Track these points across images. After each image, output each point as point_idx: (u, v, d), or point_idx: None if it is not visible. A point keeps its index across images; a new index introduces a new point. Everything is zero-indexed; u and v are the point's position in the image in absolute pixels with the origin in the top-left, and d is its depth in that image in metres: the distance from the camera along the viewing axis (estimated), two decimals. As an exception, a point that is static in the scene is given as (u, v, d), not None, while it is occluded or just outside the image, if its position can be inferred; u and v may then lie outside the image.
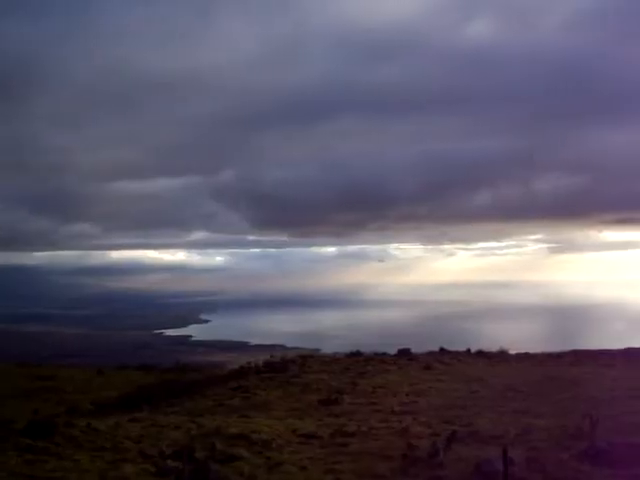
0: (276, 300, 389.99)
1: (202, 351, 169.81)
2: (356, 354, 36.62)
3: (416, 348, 38.18)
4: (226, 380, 31.27)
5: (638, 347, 39.95)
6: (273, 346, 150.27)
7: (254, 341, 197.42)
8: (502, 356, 36.12)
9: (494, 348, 37.61)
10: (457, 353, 37.24)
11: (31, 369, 43.16)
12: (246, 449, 15.88)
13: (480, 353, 36.86)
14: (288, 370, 31.63)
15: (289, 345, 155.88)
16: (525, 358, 35.78)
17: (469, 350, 37.60)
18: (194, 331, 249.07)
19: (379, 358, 35.36)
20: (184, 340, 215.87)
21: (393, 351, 37.15)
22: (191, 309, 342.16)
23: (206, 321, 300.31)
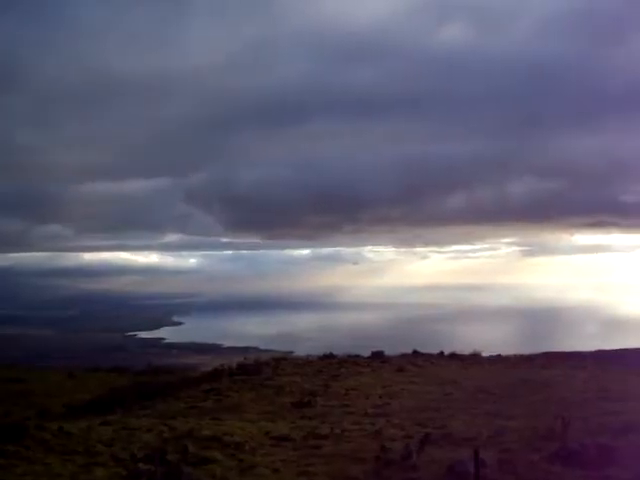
0: (249, 302, 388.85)
1: (175, 353, 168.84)
2: (329, 356, 36.64)
3: (389, 350, 38.26)
4: (199, 382, 31.14)
5: (608, 349, 40.39)
6: (246, 348, 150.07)
7: (227, 343, 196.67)
8: (475, 359, 36.29)
9: (467, 351, 37.79)
10: (430, 356, 37.37)
11: (1, 371, 42.74)
12: (219, 452, 15.84)
13: (453, 356, 37.02)
14: (261, 372, 31.58)
15: (262, 347, 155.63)
16: (497, 361, 36.00)
17: (442, 353, 37.75)
18: (167, 333, 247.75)
19: (352, 360, 35.40)
20: (157, 342, 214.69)
21: (366, 353, 37.21)
22: (164, 311, 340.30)
23: (179, 323, 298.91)
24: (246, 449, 16.30)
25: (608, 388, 24.43)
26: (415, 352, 38.06)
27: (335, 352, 37.46)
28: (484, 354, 37.73)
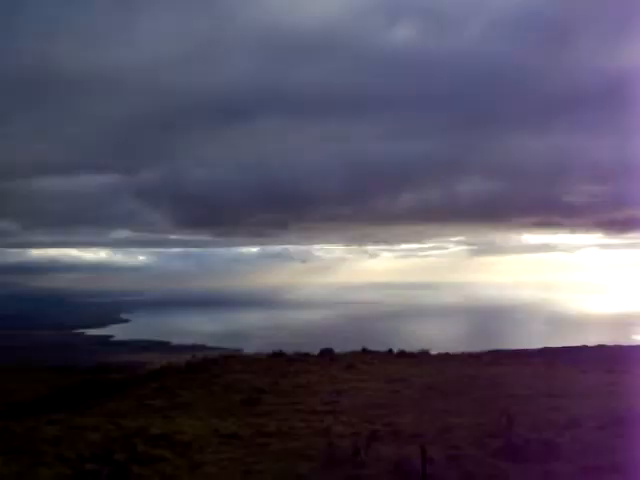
0: (198, 300, 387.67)
1: (123, 351, 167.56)
2: (278, 354, 36.61)
3: (338, 348, 38.39)
4: (147, 380, 30.89)
5: (555, 346, 41.03)
6: (195, 346, 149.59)
7: (176, 341, 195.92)
8: (423, 356, 36.54)
9: (416, 348, 38.04)
10: (379, 353, 37.54)
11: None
12: (167, 450, 15.72)
13: (402, 353, 37.21)
14: (210, 370, 31.45)
15: (211, 345, 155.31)
16: (446, 358, 36.28)
17: (391, 350, 37.94)
18: (115, 331, 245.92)
19: (301, 358, 35.41)
20: (105, 340, 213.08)
21: (315, 351, 37.25)
22: (112, 308, 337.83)
23: (127, 321, 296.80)
24: (195, 447, 16.22)
25: (554, 385, 24.85)
26: (364, 350, 38.21)
27: (284, 350, 37.43)
28: (433, 352, 38.00)
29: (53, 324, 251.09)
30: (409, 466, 13.20)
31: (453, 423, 18.04)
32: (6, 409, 27.57)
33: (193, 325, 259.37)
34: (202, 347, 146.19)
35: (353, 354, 36.94)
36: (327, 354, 36.45)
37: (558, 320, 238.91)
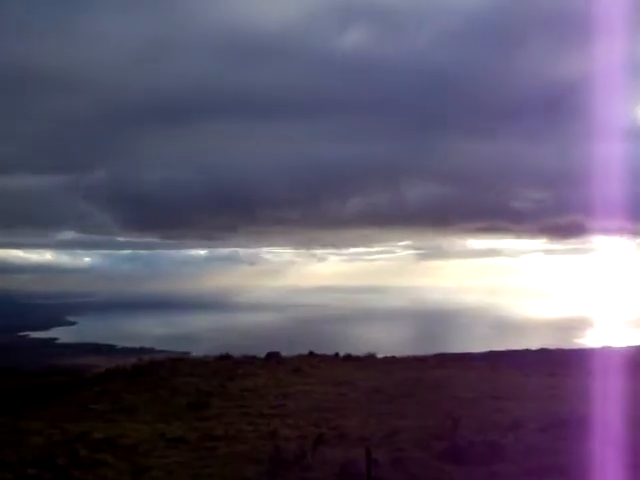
0: (146, 302, 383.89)
1: (68, 354, 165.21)
2: (226, 357, 36.45)
3: (285, 351, 38.37)
4: (92, 384, 30.52)
5: (499, 350, 41.55)
6: (142, 349, 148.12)
7: (122, 344, 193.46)
8: (370, 360, 36.69)
9: (362, 352, 38.17)
10: (326, 357, 37.58)
11: None
12: (111, 454, 15.61)
13: (348, 357, 37.33)
14: (157, 373, 31.20)
15: (158, 348, 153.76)
16: (392, 361, 36.50)
17: (337, 354, 38.02)
18: (60, 333, 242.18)
19: (248, 361, 35.32)
20: (49, 342, 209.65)
21: (263, 354, 37.18)
22: (57, 311, 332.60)
23: (73, 323, 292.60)
24: (140, 451, 16.12)
25: (498, 387, 25.22)
26: (311, 353, 38.24)
27: (231, 353, 37.27)
28: (379, 355, 38.18)
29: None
30: (354, 469, 13.30)
31: (399, 426, 18.20)
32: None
33: (141, 328, 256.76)
34: (150, 350, 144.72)
35: (300, 357, 36.96)
36: (274, 357, 36.40)
37: (502, 324, 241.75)
